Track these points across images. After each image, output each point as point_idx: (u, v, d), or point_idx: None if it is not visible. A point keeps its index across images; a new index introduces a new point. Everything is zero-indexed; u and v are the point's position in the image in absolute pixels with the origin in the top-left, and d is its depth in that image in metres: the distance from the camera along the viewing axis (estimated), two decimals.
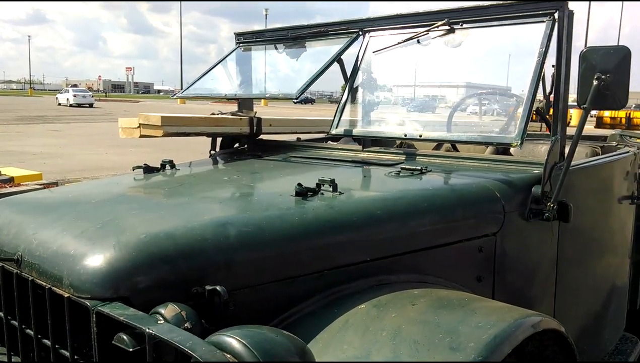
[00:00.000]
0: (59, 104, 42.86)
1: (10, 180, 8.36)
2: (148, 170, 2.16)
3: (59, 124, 23.34)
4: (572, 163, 2.34)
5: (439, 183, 1.96)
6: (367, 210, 1.63)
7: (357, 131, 2.44)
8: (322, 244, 1.49)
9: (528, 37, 2.07)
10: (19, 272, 1.37)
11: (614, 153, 2.73)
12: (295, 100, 2.42)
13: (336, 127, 2.44)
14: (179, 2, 57.74)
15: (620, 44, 2.07)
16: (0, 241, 1.49)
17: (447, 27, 2.25)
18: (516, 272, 2.00)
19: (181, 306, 1.15)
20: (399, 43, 2.37)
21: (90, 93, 48.20)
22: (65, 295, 1.21)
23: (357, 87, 2.59)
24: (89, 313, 1.15)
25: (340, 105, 2.48)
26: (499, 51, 2.25)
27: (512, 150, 3.29)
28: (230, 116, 2.71)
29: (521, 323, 1.32)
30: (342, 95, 2.51)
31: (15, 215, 1.57)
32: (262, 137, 3.00)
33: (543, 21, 2.03)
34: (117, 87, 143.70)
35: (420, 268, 1.70)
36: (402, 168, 2.10)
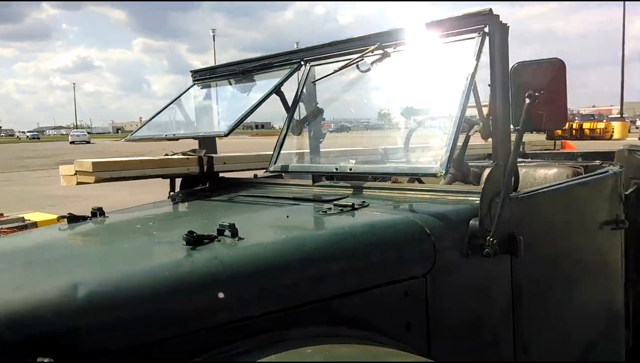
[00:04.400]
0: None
1: (33, 225, 8.55)
2: (73, 219, 2.08)
3: None
4: (533, 188, 2.13)
5: (360, 222, 1.79)
6: (259, 258, 1.47)
7: (293, 167, 2.30)
8: (197, 301, 1.34)
9: (462, 55, 1.90)
10: None
11: (590, 174, 2.48)
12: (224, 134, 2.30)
13: (274, 163, 2.30)
14: (213, 39, 59.41)
15: None
16: None
17: (381, 51, 2.11)
18: (458, 315, 1.79)
19: None
20: (334, 71, 2.24)
21: (85, 133, 63.58)
22: None
23: (302, 119, 2.47)
24: None
25: (280, 139, 2.35)
26: (436, 72, 2.08)
27: (484, 177, 3.06)
28: (175, 156, 2.62)
29: None
30: (282, 128, 2.38)
31: None
32: (226, 174, 2.91)
33: (473, 37, 1.86)
34: None
35: (330, 319, 1.52)
36: (335, 204, 1.94)
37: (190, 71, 3.01)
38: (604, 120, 38.12)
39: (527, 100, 1.67)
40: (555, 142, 6.29)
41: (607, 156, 3.98)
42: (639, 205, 2.64)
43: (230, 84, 2.83)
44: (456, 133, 1.75)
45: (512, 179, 1.81)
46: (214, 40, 59.48)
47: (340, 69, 2.21)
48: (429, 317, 1.70)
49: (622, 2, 36.84)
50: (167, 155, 2.76)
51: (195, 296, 1.34)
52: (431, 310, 1.70)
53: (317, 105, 2.46)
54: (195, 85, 2.99)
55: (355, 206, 1.90)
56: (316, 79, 2.37)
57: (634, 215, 2.62)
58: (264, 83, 2.60)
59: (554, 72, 1.67)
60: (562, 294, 2.21)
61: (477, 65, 1.81)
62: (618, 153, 3.73)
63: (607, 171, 2.48)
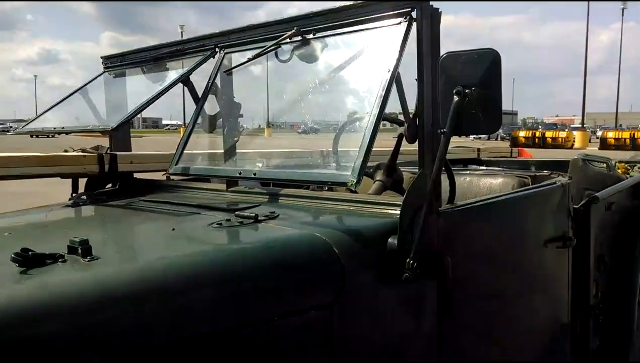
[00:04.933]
0: None
1: None
2: None
3: None
4: (467, 201, 1.87)
5: (255, 238, 1.49)
6: (107, 287, 1.15)
7: (195, 169, 1.98)
8: (7, 345, 1.02)
9: (385, 44, 1.62)
10: None
11: (534, 186, 2.25)
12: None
13: (175, 164, 1.98)
14: (181, 35, 58.44)
15: None
16: None
17: (299, 38, 1.81)
18: (373, 348, 1.51)
19: None
20: (249, 60, 1.93)
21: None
22: None
23: (215, 114, 2.16)
24: None
25: (184, 137, 2.03)
26: (358, 63, 1.79)
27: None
28: (70, 154, 2.28)
29: None
30: (189, 124, 2.06)
31: None
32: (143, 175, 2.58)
33: (399, 23, 1.58)
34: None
35: (204, 361, 1.22)
36: (236, 215, 1.64)
37: (101, 57, 2.67)
38: (566, 130, 38.91)
39: (456, 98, 1.40)
40: (512, 150, 6.15)
41: (561, 165, 3.77)
42: (589, 219, 2.38)
43: (143, 72, 2.50)
44: (372, 135, 1.46)
45: (440, 190, 1.54)
46: (182, 37, 58.53)
47: (255, 57, 1.91)
48: (335, 353, 1.41)
49: (585, 15, 37.68)
50: (65, 151, 2.41)
51: (7, 335, 1.01)
52: (338, 345, 1.41)
53: (234, 98, 2.15)
54: (107, 73, 2.65)
55: (260, 218, 1.60)
56: (231, 67, 2.06)
57: (583, 231, 2.37)
58: (180, 71, 2.29)
59: (487, 65, 1.40)
60: (499, 319, 1.95)
61: (401, 55, 1.54)
62: (572, 162, 3.52)
63: (554, 183, 2.24)
